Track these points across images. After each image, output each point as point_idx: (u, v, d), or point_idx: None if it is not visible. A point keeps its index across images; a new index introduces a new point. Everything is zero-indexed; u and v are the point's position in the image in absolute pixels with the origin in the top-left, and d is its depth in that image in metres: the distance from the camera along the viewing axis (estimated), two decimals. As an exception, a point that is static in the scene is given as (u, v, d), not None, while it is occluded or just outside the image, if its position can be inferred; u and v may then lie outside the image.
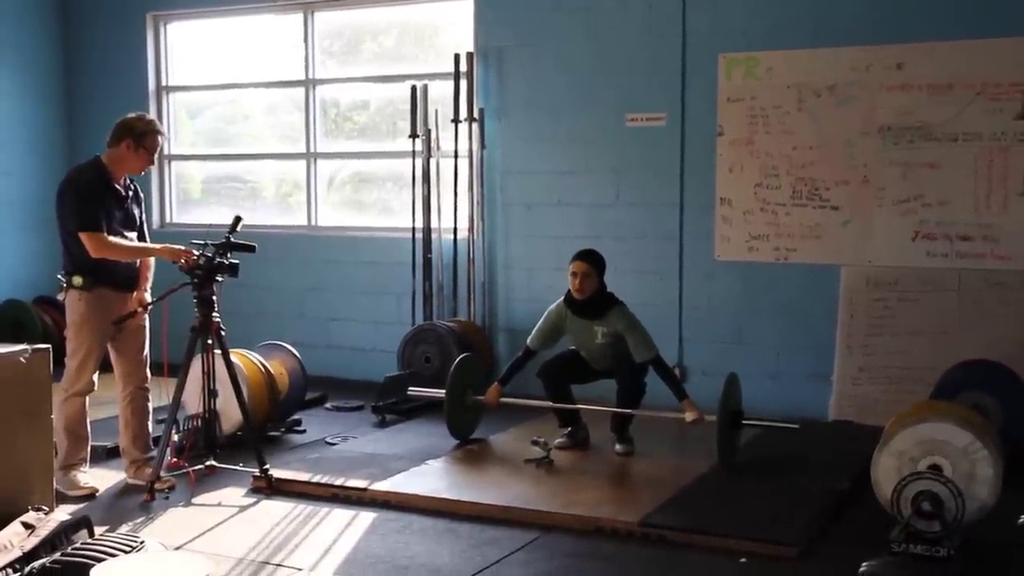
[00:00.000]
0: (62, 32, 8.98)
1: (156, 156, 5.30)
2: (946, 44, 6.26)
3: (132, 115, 5.24)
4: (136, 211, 5.29)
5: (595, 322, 5.74)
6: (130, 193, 5.26)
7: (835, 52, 6.50)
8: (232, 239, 5.19)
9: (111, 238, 5.04)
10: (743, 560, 4.24)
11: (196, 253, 5.13)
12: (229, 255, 5.18)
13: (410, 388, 6.56)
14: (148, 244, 5.29)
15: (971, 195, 6.28)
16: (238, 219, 5.27)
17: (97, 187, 5.06)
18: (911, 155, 6.39)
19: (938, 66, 6.28)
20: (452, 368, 6.04)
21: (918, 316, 6.38)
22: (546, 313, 5.92)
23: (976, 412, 4.75)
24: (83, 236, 4.99)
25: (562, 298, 5.84)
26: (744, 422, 5.58)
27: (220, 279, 5.18)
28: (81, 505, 4.92)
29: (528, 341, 5.98)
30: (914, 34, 6.33)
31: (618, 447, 5.74)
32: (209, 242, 5.17)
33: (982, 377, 5.67)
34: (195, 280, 5.14)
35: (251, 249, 5.26)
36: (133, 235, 5.23)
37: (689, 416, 5.58)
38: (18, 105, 8.68)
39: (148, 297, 5.32)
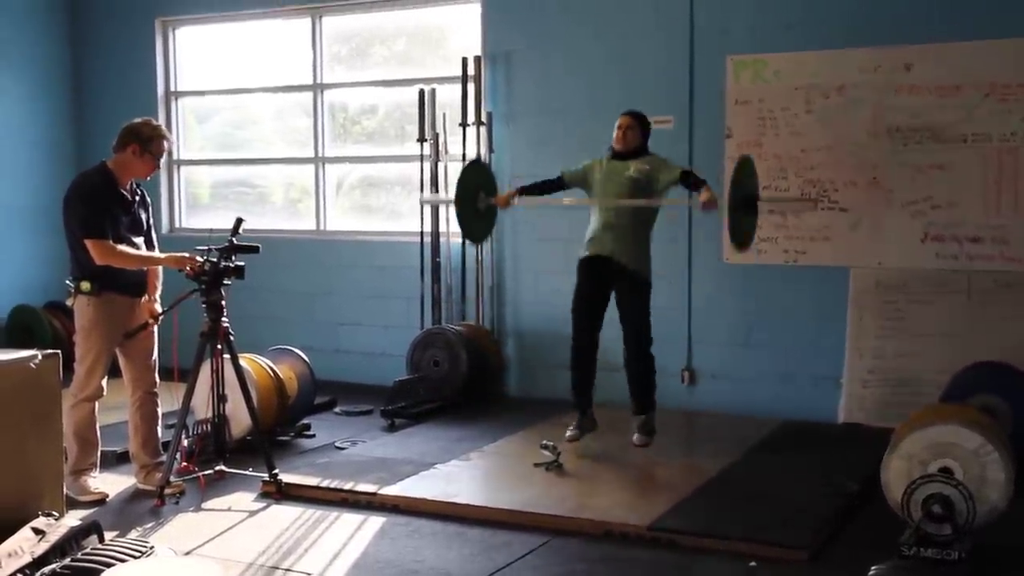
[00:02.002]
0: (71, 38, 9.01)
1: (162, 161, 5.31)
2: (955, 45, 6.24)
3: (138, 120, 5.25)
4: (143, 216, 5.30)
5: (630, 161, 5.68)
6: (137, 198, 5.27)
7: (843, 54, 6.49)
8: (235, 241, 5.20)
9: (117, 246, 5.05)
10: (753, 564, 4.22)
11: (201, 259, 5.14)
12: (234, 258, 5.18)
13: (423, 199, 6.62)
14: (153, 253, 5.29)
15: (980, 196, 6.26)
16: (239, 221, 5.27)
17: (103, 193, 5.08)
18: (920, 157, 6.37)
19: (947, 67, 6.26)
20: (461, 172, 5.96)
21: (928, 318, 6.35)
22: (585, 161, 5.87)
23: (987, 415, 4.74)
24: (88, 243, 5.00)
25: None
26: (760, 202, 5.56)
27: (228, 283, 5.19)
28: (91, 510, 4.94)
29: (561, 172, 5.94)
30: (922, 35, 6.31)
31: (636, 437, 5.70)
32: (213, 247, 5.17)
33: (993, 379, 5.65)
34: (203, 286, 5.15)
35: (255, 250, 5.27)
36: (140, 240, 5.24)
37: (702, 196, 5.46)
38: (27, 111, 8.71)
39: (158, 307, 5.33)
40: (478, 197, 5.89)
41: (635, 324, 5.68)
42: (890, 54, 6.38)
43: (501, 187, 6.17)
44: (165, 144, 5.23)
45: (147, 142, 5.14)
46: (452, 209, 7.60)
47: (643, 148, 5.75)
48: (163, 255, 5.29)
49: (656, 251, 5.79)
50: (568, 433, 5.79)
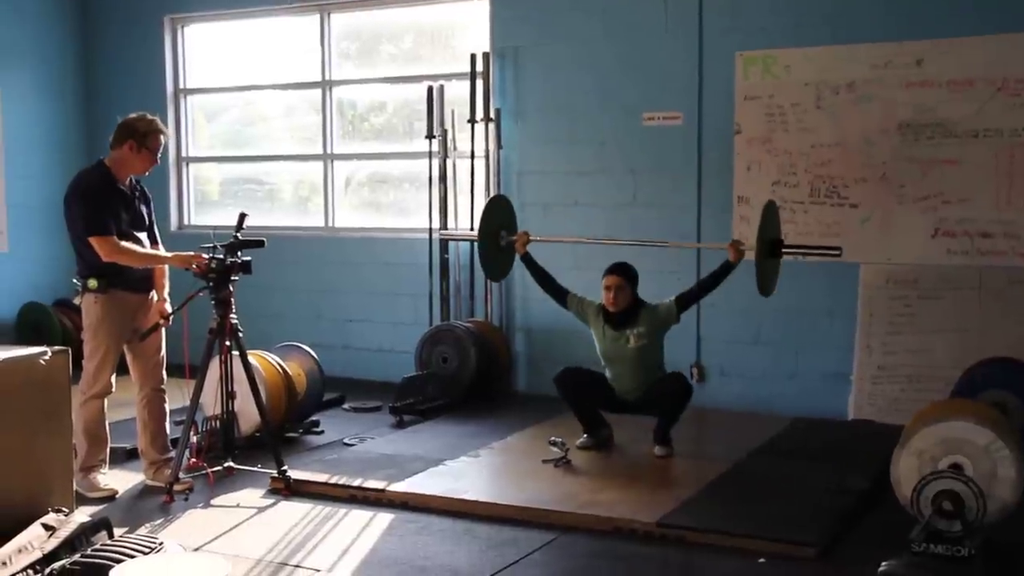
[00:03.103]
0: (80, 36, 9.03)
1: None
2: (966, 40, 6.21)
3: (133, 115, 5.23)
4: (145, 211, 5.31)
5: (628, 329, 5.71)
6: (137, 194, 5.27)
7: (853, 49, 6.46)
8: (240, 237, 5.20)
9: (122, 243, 5.05)
10: (762, 560, 4.22)
11: (207, 257, 5.14)
12: (240, 253, 5.19)
13: (442, 233, 6.67)
14: (159, 252, 5.29)
15: (992, 192, 6.23)
16: (243, 216, 5.27)
17: (103, 190, 5.08)
18: (931, 152, 6.34)
19: (958, 62, 6.23)
20: (483, 209, 5.99)
21: (938, 314, 6.33)
22: (592, 301, 5.86)
23: (998, 411, 4.71)
24: (93, 241, 5.00)
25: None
26: (784, 250, 5.59)
27: (235, 278, 5.19)
28: (101, 507, 4.95)
29: (570, 291, 5.92)
30: (933, 30, 6.28)
31: (657, 449, 5.70)
32: (218, 244, 5.18)
33: (1004, 375, 5.62)
34: (210, 284, 5.15)
35: (260, 244, 5.27)
36: (143, 235, 5.25)
37: (731, 254, 5.54)
38: (37, 109, 8.73)
39: (168, 307, 5.34)
40: (499, 235, 5.91)
41: (675, 390, 5.74)
42: (900, 49, 6.35)
43: (519, 216, 6.16)
44: (162, 138, 5.22)
45: (143, 137, 5.14)
46: (461, 208, 7.65)
47: (635, 302, 5.73)
48: (169, 254, 5.29)
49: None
50: (580, 441, 5.79)
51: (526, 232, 5.91)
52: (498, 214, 5.95)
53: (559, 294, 5.93)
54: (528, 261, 5.91)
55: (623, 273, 5.73)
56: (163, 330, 5.35)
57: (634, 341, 5.69)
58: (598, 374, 5.87)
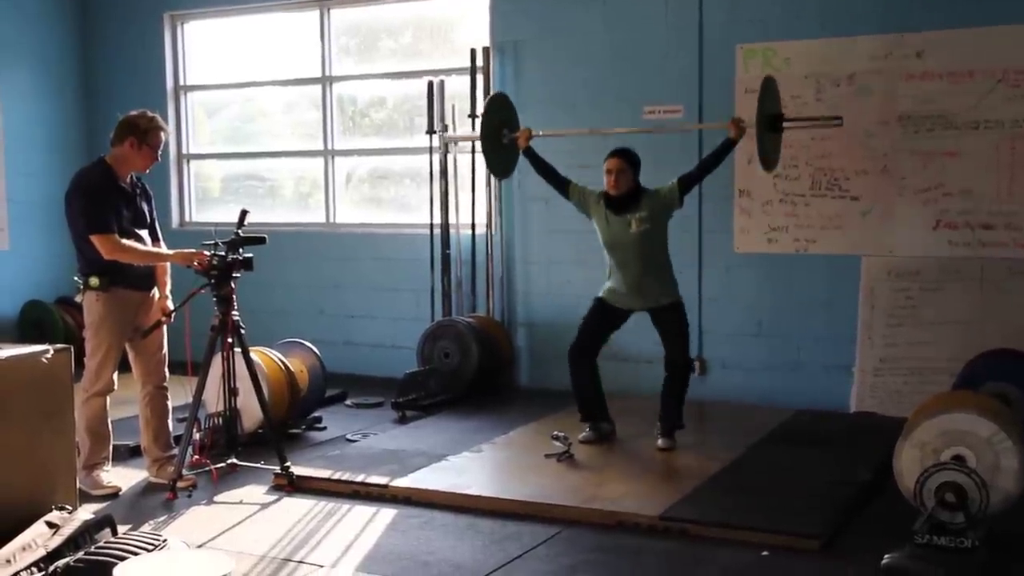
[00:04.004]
0: (80, 33, 9.03)
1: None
2: (966, 31, 6.20)
3: (134, 113, 5.22)
4: (146, 208, 5.30)
5: (629, 213, 5.64)
6: (138, 191, 5.27)
7: (853, 41, 6.46)
8: (241, 233, 5.20)
9: (124, 240, 5.05)
10: (765, 553, 4.22)
11: (208, 254, 5.14)
12: (241, 250, 5.19)
13: (445, 136, 6.97)
14: (161, 250, 5.29)
15: (993, 183, 6.22)
16: (244, 213, 5.26)
17: (104, 188, 5.08)
18: (931, 144, 6.33)
19: (958, 53, 6.22)
20: (484, 107, 6.02)
21: (940, 306, 6.32)
22: (594, 190, 5.82)
23: (1000, 402, 4.71)
24: (94, 238, 5.00)
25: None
26: (785, 124, 5.60)
27: (237, 275, 5.19)
28: (104, 504, 4.96)
29: (572, 180, 5.90)
30: (933, 21, 6.27)
31: (661, 441, 5.69)
32: (219, 241, 5.18)
33: (1006, 367, 5.62)
34: (212, 281, 5.15)
35: (261, 240, 5.27)
36: (144, 233, 5.24)
37: (731, 131, 5.53)
38: (37, 107, 8.73)
39: (170, 304, 5.34)
40: (502, 133, 5.95)
41: (680, 346, 5.71)
42: (901, 41, 6.34)
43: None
44: (162, 136, 5.21)
45: (144, 134, 5.13)
46: (462, 203, 7.65)
47: (637, 187, 5.68)
48: (170, 252, 5.29)
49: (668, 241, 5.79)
50: (582, 436, 5.79)
51: (528, 128, 5.94)
52: (499, 112, 5.97)
53: (561, 185, 5.90)
54: (530, 154, 5.92)
55: (624, 156, 5.66)
56: (165, 327, 5.35)
57: (636, 225, 5.61)
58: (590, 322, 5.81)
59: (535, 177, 7.38)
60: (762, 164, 5.64)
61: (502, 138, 5.94)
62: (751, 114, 5.59)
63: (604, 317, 5.80)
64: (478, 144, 7.47)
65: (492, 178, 7.49)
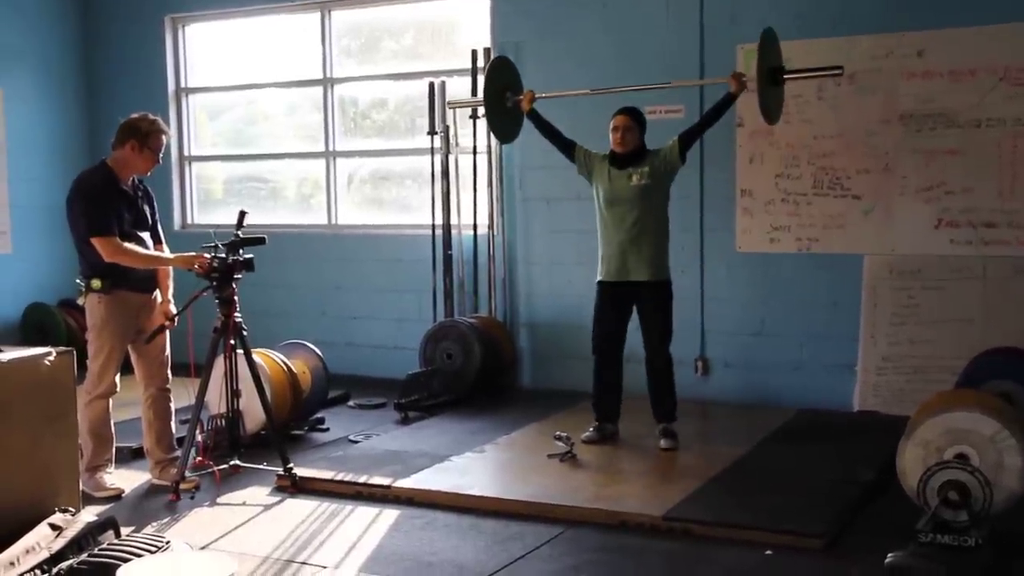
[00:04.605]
0: (82, 36, 9.04)
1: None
2: (967, 30, 6.19)
3: (135, 115, 5.23)
4: (148, 211, 5.31)
5: (628, 169, 5.66)
6: (139, 193, 5.27)
7: (854, 40, 6.45)
8: (240, 235, 5.20)
9: (124, 244, 5.05)
10: (768, 552, 4.22)
11: (208, 257, 5.14)
12: (241, 251, 5.19)
13: (450, 102, 7.01)
14: (162, 254, 5.29)
15: (995, 181, 6.21)
16: (243, 214, 5.27)
17: (105, 190, 5.08)
18: (933, 142, 6.33)
19: (959, 52, 6.22)
20: (486, 71, 6.01)
21: (943, 304, 6.32)
22: (595, 151, 5.84)
23: (1003, 401, 4.70)
24: (95, 241, 5.00)
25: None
26: (785, 76, 5.60)
27: (238, 277, 5.20)
28: (107, 506, 4.96)
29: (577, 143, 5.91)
30: (934, 20, 6.27)
31: (663, 442, 5.69)
32: (219, 243, 5.18)
33: (1008, 365, 5.61)
34: (214, 283, 5.15)
35: (261, 241, 5.27)
36: (146, 235, 5.25)
37: (732, 86, 5.53)
38: (39, 110, 8.74)
39: (173, 308, 5.34)
40: (505, 97, 5.94)
41: (660, 329, 5.71)
42: (902, 40, 6.34)
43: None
44: (164, 138, 5.22)
45: (145, 137, 5.13)
46: (463, 204, 7.65)
47: (642, 147, 5.70)
48: (171, 256, 5.29)
49: (670, 240, 5.79)
50: (585, 435, 5.78)
51: (531, 90, 5.96)
52: (502, 75, 5.96)
53: (567, 147, 5.90)
54: (534, 117, 5.93)
55: (631, 113, 5.70)
56: (167, 331, 5.35)
57: (636, 179, 5.63)
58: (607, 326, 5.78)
59: (537, 177, 7.44)
60: (764, 117, 5.66)
61: (505, 102, 5.95)
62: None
63: (611, 301, 5.77)
64: (480, 145, 7.49)
65: (494, 179, 7.49)
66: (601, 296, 5.82)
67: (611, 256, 5.73)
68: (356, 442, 6.08)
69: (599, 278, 5.82)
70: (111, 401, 5.25)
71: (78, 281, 5.17)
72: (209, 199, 9.05)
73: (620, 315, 5.80)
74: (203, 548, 4.37)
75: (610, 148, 5.73)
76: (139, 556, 3.65)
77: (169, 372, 5.40)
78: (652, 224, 5.67)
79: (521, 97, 5.97)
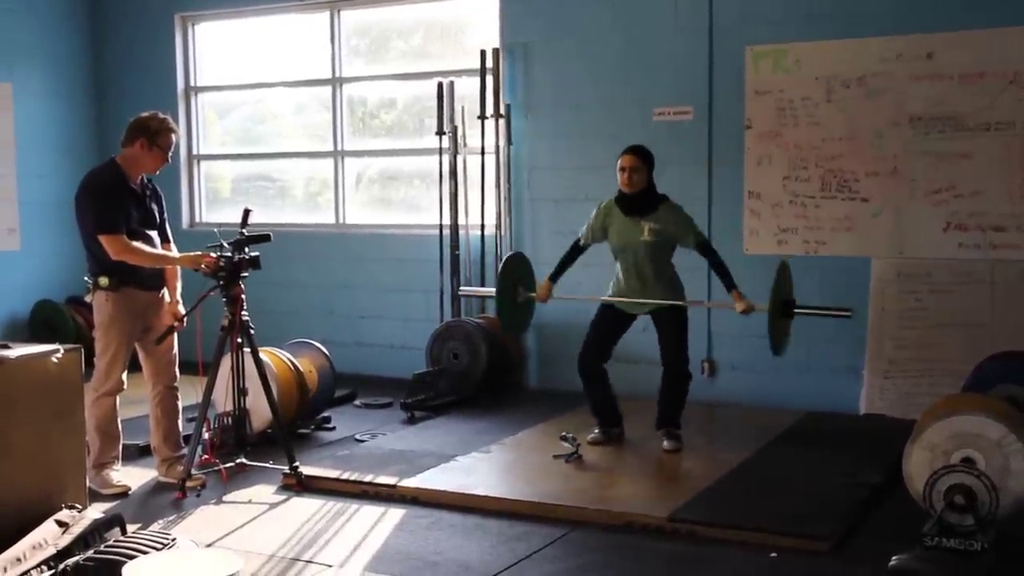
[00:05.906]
0: (91, 35, 9.06)
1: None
2: (977, 33, 6.18)
3: (145, 114, 5.24)
4: (156, 209, 5.32)
5: (643, 218, 5.59)
6: (148, 192, 5.29)
7: (864, 43, 6.44)
8: (245, 233, 5.21)
9: (132, 242, 5.07)
10: (774, 555, 4.21)
11: (215, 255, 5.15)
12: (247, 249, 5.20)
13: (462, 290, 7.02)
14: (169, 253, 5.30)
15: (1004, 185, 6.20)
16: (247, 212, 5.28)
17: (114, 188, 5.09)
18: (942, 145, 6.32)
19: (969, 55, 6.20)
20: (500, 267, 6.00)
21: (951, 308, 6.30)
22: (595, 210, 5.80)
23: (1010, 405, 4.69)
24: (102, 239, 5.02)
25: (612, 196, 5.73)
26: (796, 310, 5.53)
27: (245, 275, 5.21)
28: (114, 503, 4.97)
29: (579, 237, 5.89)
30: (944, 23, 6.25)
31: (666, 443, 5.69)
32: (224, 242, 5.19)
33: (1016, 370, 5.58)
34: (221, 282, 5.16)
35: (266, 238, 5.29)
36: (154, 233, 5.26)
37: (739, 307, 5.51)
38: (48, 108, 8.76)
39: (181, 308, 5.35)
40: (517, 292, 5.93)
41: (676, 350, 5.69)
42: (911, 42, 6.33)
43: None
44: (173, 137, 5.23)
45: (155, 135, 5.15)
46: (471, 204, 7.66)
47: (650, 188, 5.64)
48: (178, 255, 5.31)
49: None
50: (591, 436, 5.79)
51: (549, 283, 5.90)
52: (515, 271, 5.97)
53: (578, 250, 5.90)
54: (556, 277, 5.93)
55: (638, 153, 5.60)
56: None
57: (646, 234, 5.57)
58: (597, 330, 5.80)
59: (545, 178, 7.44)
60: (771, 347, 5.45)
61: (517, 296, 5.92)
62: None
63: (610, 322, 5.80)
64: (488, 146, 7.49)
65: (502, 179, 7.50)
66: (602, 316, 5.83)
67: (624, 295, 5.74)
68: (362, 441, 6.08)
69: (608, 297, 5.81)
70: (118, 398, 5.26)
71: (86, 278, 5.19)
72: (217, 198, 9.07)
73: (614, 335, 5.82)
74: (209, 545, 4.39)
75: (618, 189, 5.68)
76: (145, 553, 3.66)
77: (177, 370, 5.41)
78: (662, 270, 5.68)
79: (534, 294, 5.93)
